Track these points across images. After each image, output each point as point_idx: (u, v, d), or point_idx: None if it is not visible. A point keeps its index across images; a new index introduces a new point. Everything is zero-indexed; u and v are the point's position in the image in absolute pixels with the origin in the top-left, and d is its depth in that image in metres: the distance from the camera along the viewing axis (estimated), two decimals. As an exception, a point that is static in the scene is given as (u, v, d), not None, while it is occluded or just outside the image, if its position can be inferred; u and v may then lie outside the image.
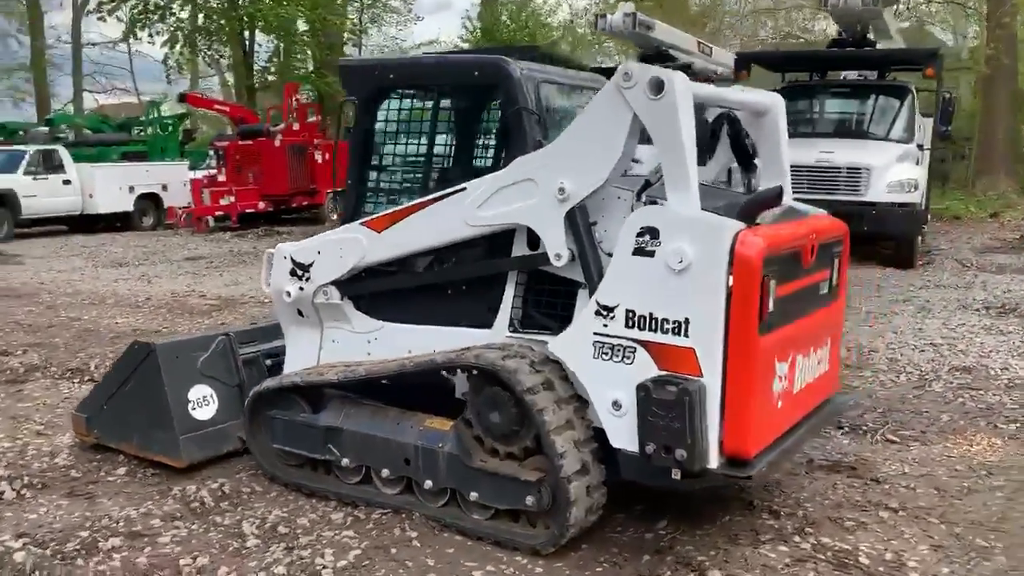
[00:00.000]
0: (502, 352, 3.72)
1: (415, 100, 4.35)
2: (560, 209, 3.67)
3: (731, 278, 3.25)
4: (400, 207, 4.15)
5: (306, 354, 4.61)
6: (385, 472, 4.07)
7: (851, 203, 11.67)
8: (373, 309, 4.41)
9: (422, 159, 4.32)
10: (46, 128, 21.16)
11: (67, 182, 18.30)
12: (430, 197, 4.04)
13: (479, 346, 3.85)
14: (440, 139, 4.32)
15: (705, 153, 4.43)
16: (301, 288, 4.45)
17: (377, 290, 4.37)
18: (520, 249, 3.93)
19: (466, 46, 26.96)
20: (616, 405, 3.50)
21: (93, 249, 15.72)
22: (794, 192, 4.30)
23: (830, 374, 4.19)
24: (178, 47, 27.41)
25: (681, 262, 3.31)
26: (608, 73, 3.84)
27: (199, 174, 20.57)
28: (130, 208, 19.27)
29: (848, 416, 5.38)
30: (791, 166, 4.36)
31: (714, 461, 3.35)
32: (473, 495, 3.81)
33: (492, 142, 4.39)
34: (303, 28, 27.62)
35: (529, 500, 3.65)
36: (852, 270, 11.35)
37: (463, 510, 3.87)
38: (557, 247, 3.71)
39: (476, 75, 4.07)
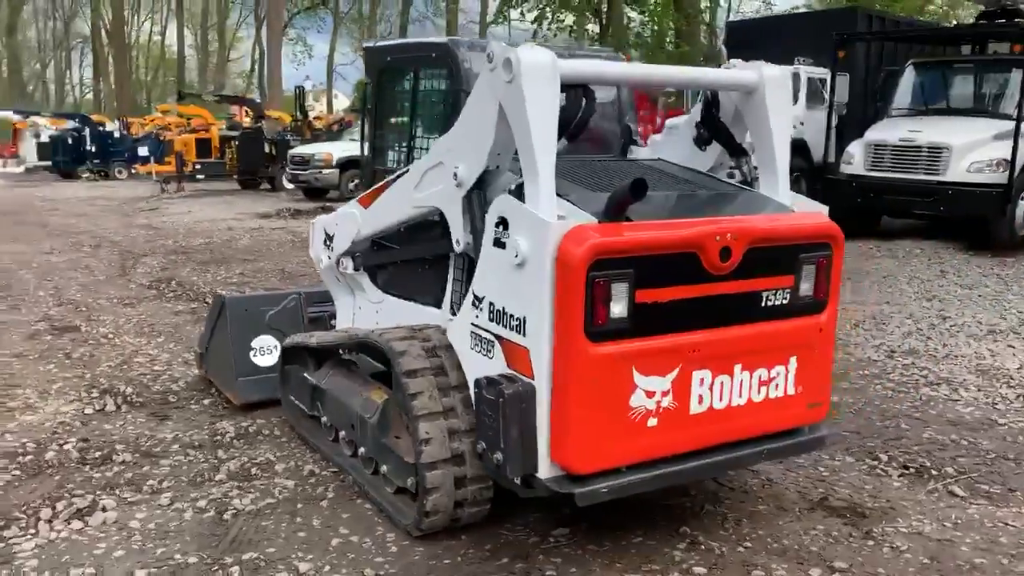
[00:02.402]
0: (407, 333, 3.78)
1: (400, 81, 4.48)
2: (458, 194, 3.60)
3: (556, 278, 2.99)
4: (379, 184, 4.33)
5: (346, 317, 5.02)
6: (343, 434, 4.35)
7: None
8: (378, 282, 4.67)
9: (404, 138, 4.45)
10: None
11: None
12: (393, 176, 4.18)
13: (397, 326, 3.94)
14: (417, 120, 4.39)
15: (702, 140, 4.01)
16: (329, 257, 4.84)
17: (376, 263, 4.62)
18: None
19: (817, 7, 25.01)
20: None
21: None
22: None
23: (798, 400, 3.55)
24: (545, 24, 29.10)
25: (517, 257, 3.11)
26: None
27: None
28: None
29: (935, 456, 4.48)
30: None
31: (544, 471, 3.13)
32: (383, 468, 3.94)
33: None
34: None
35: (410, 481, 3.69)
36: None
37: (382, 481, 4.01)
38: (457, 233, 3.66)
39: (433, 56, 4.09)
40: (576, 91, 3.35)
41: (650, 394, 3.18)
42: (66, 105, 69.60)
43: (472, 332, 3.47)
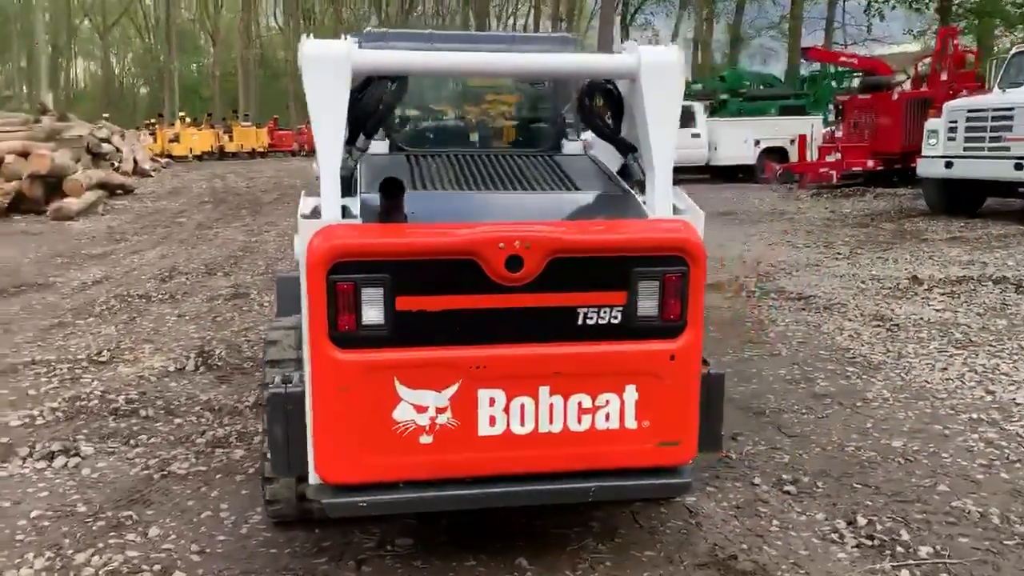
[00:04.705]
0: (294, 324, 3.84)
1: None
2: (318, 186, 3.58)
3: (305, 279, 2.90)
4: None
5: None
6: (294, 414, 4.51)
7: None
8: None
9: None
10: (700, 85, 23.13)
11: (696, 135, 19.94)
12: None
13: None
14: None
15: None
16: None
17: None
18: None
19: None
20: None
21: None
22: None
23: (640, 436, 3.05)
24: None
25: (295, 256, 3.06)
26: None
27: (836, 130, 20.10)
28: (752, 161, 20.03)
29: (930, 531, 3.58)
30: None
31: (312, 478, 3.05)
32: (279, 452, 4.05)
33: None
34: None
35: (268, 468, 3.76)
36: None
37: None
38: (324, 227, 3.63)
39: None
40: (380, 84, 3.16)
41: (420, 409, 2.95)
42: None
43: (311, 329, 3.46)
